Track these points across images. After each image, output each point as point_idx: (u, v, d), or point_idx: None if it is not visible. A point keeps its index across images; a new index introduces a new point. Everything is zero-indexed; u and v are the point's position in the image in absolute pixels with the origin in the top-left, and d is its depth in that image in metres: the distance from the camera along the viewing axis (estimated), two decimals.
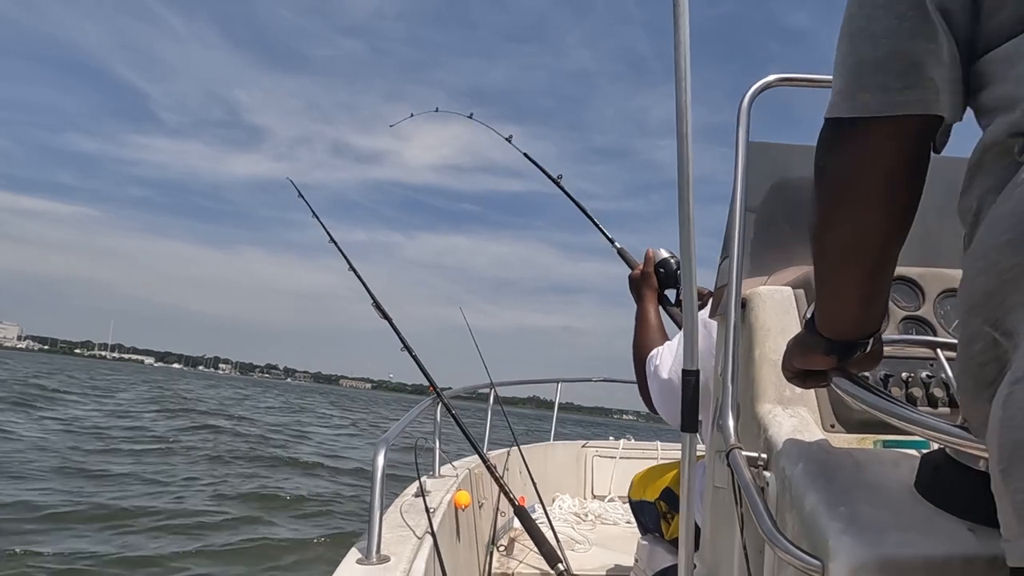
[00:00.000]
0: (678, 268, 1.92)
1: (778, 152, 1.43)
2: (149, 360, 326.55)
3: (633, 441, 5.01)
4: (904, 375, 1.06)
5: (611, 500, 4.48)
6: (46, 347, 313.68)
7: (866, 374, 1.00)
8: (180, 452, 11.31)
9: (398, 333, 2.61)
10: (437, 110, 3.26)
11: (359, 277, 2.69)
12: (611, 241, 2.29)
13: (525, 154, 2.77)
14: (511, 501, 2.25)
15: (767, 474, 0.95)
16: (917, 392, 1.05)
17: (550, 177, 2.60)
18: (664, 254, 1.94)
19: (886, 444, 1.02)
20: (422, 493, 1.82)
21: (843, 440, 1.01)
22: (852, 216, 0.71)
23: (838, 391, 0.82)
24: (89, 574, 5.20)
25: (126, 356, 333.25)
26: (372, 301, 2.66)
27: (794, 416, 1.02)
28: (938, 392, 1.05)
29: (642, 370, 1.73)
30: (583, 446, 4.91)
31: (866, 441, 1.03)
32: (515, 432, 3.63)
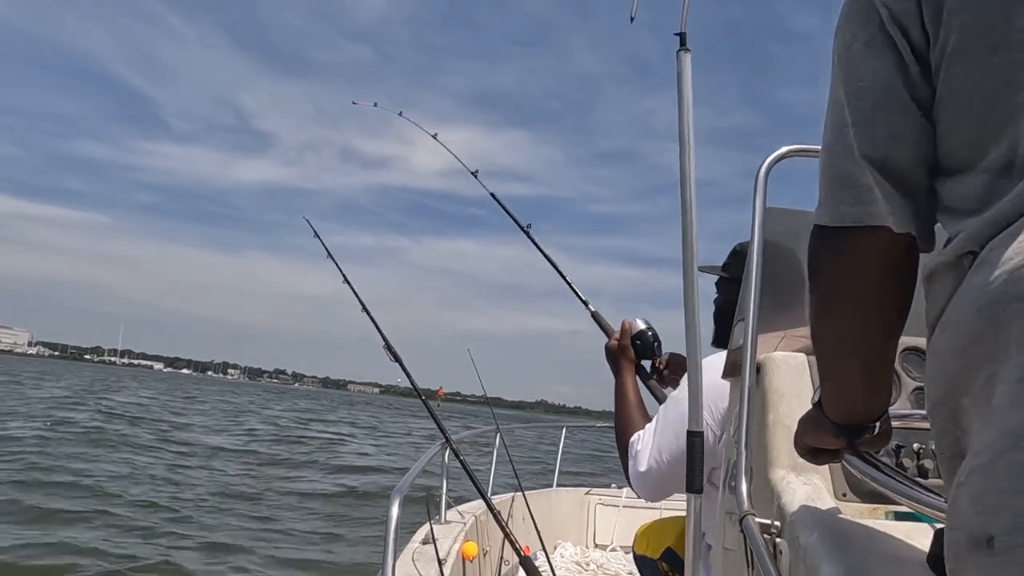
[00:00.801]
0: (655, 340, 1.94)
1: (793, 217, 1.47)
2: (159, 366, 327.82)
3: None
4: (916, 446, 1.08)
5: (613, 550, 4.44)
6: (56, 353, 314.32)
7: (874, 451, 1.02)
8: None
9: (408, 374, 2.63)
10: (401, 114, 3.24)
11: (374, 322, 2.71)
12: (585, 304, 2.25)
13: (491, 194, 2.69)
14: (516, 551, 2.24)
15: (780, 541, 0.96)
16: (929, 464, 1.06)
17: (520, 226, 2.52)
18: (640, 325, 1.94)
19: (898, 515, 1.03)
20: (432, 541, 1.82)
21: (855, 509, 1.03)
22: (843, 318, 0.75)
23: (851, 470, 0.84)
24: None
25: (136, 362, 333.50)
26: (384, 343, 2.68)
27: (807, 484, 1.03)
28: None
29: (624, 454, 1.75)
30: (586, 493, 4.88)
31: (878, 512, 1.04)
32: (519, 475, 3.61)
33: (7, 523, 7.27)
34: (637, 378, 1.94)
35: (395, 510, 1.50)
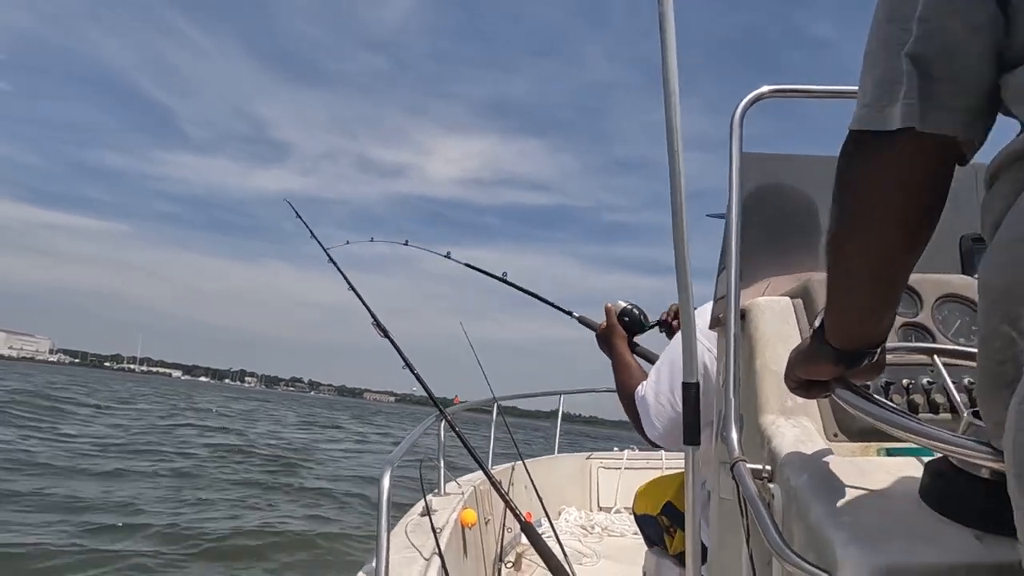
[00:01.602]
0: (640, 314, 2.00)
1: (772, 162, 1.45)
2: (177, 373, 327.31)
3: (637, 451, 5.00)
4: (905, 382, 1.07)
5: (617, 512, 4.47)
6: (76, 360, 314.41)
7: (867, 383, 1.01)
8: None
9: (406, 360, 2.62)
10: (372, 240, 3.34)
11: (391, 339, 2.69)
12: (569, 313, 2.38)
13: (467, 264, 2.86)
14: (517, 517, 2.25)
15: (772, 486, 0.95)
16: (919, 399, 1.05)
17: (495, 277, 2.69)
18: (623, 304, 2.01)
19: (889, 452, 1.02)
20: (428, 512, 1.82)
21: (846, 449, 1.02)
22: (872, 229, 0.71)
23: (841, 403, 0.82)
24: None
25: (154, 369, 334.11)
26: (402, 361, 2.66)
27: (797, 426, 1.02)
28: (939, 398, 1.06)
29: (633, 408, 1.75)
30: (587, 458, 4.91)
31: (869, 450, 1.03)
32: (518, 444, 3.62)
33: None
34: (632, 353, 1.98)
35: (386, 481, 1.49)
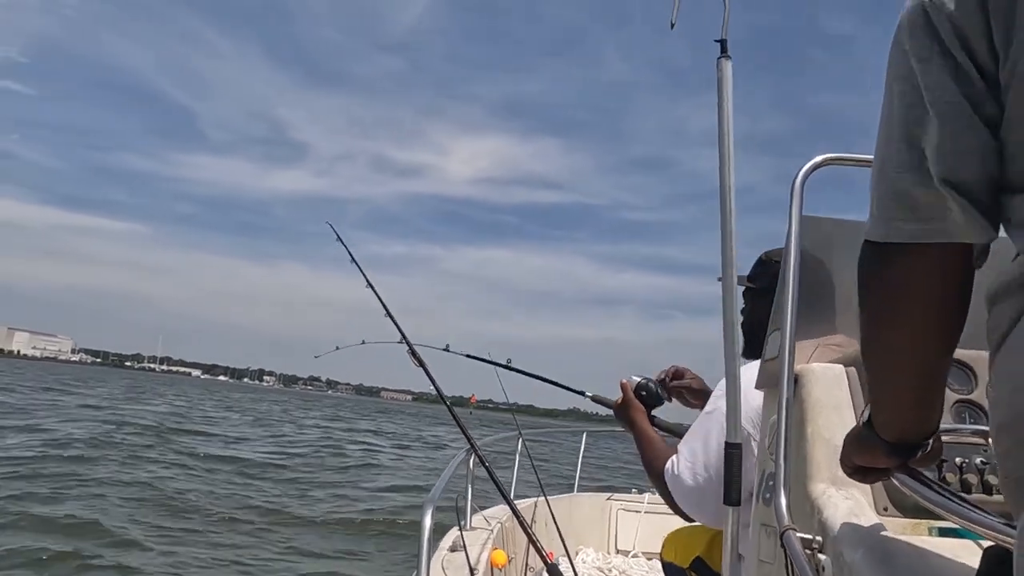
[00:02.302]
0: (656, 388, 2.03)
1: (829, 226, 1.46)
2: (196, 372, 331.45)
3: (658, 495, 4.94)
4: (959, 460, 1.06)
5: (635, 556, 4.41)
6: (98, 360, 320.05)
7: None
8: None
9: (439, 390, 2.64)
10: (363, 342, 3.27)
11: (396, 323, 2.72)
12: (581, 393, 2.39)
13: (467, 354, 2.86)
14: (542, 558, 2.24)
15: (823, 557, 0.95)
16: (972, 479, 1.05)
17: (499, 364, 2.72)
18: (637, 379, 2.04)
19: (942, 531, 1.01)
20: (464, 548, 1.82)
21: (898, 525, 1.01)
22: (896, 336, 0.74)
23: (899, 484, 0.83)
24: None
25: (174, 369, 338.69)
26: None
27: (849, 498, 1.02)
28: (993, 479, 1.05)
29: (663, 485, 1.75)
30: (608, 499, 4.86)
31: (920, 527, 1.03)
32: (542, 483, 3.61)
33: None
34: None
35: (428, 520, 1.50)
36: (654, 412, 2.05)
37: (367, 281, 2.99)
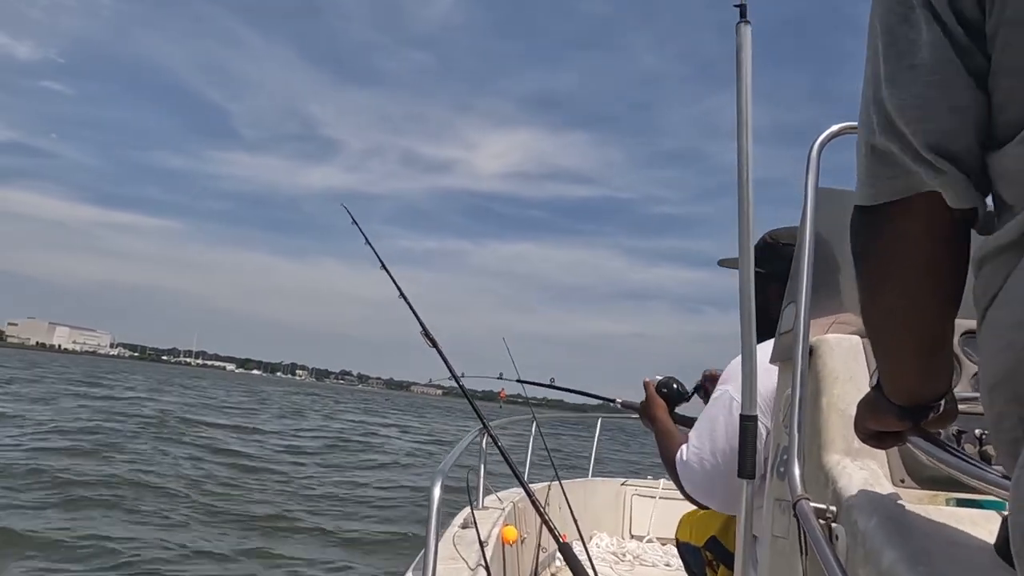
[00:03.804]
0: (679, 386, 2.08)
1: (846, 198, 1.43)
2: (231, 367, 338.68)
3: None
4: (978, 432, 1.04)
5: (650, 541, 4.40)
6: (136, 354, 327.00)
7: (938, 431, 0.99)
8: None
9: (457, 379, 2.66)
10: (503, 376, 3.36)
11: (412, 309, 2.72)
12: (612, 401, 2.49)
13: (519, 380, 3.07)
14: (555, 538, 2.23)
15: (836, 527, 0.93)
16: (991, 450, 1.02)
17: (544, 385, 3.01)
18: (658, 378, 2.09)
19: (959, 503, 0.99)
20: (474, 524, 1.82)
21: (914, 496, 0.99)
22: (892, 298, 0.72)
23: (917, 452, 0.81)
24: None
25: (209, 363, 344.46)
26: (422, 330, 2.69)
27: (864, 469, 1.00)
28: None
29: (676, 473, 1.75)
30: (622, 484, 4.85)
31: (938, 498, 1.00)
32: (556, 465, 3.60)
33: None
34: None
35: (437, 492, 1.50)
36: (679, 410, 2.07)
37: (381, 263, 2.99)
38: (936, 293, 0.71)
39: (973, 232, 0.68)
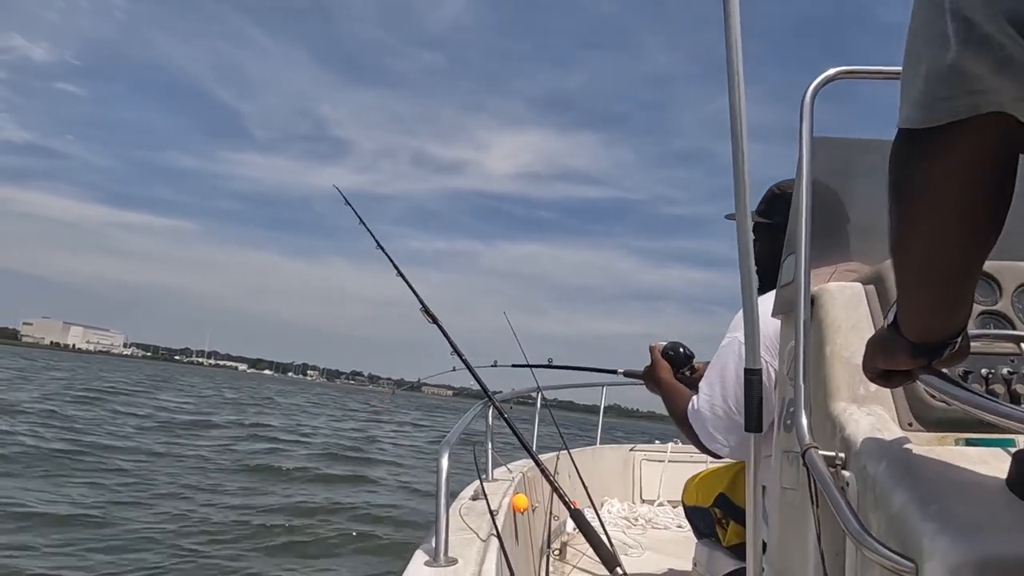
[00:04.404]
0: (684, 350, 2.08)
1: (841, 146, 1.41)
2: (242, 367, 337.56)
3: (681, 444, 4.95)
4: (984, 371, 1.03)
5: (661, 504, 4.43)
6: (148, 354, 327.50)
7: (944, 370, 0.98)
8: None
9: (453, 344, 2.63)
10: (454, 369, 3.22)
11: (410, 286, 2.71)
12: (613, 372, 2.52)
13: (513, 364, 3.15)
14: (566, 504, 2.24)
15: (846, 473, 0.93)
16: (999, 388, 1.02)
17: (541, 366, 3.06)
18: (663, 343, 2.10)
19: (968, 442, 0.99)
20: (484, 495, 1.82)
21: (922, 439, 0.99)
22: (933, 232, 0.69)
23: (928, 389, 0.80)
24: None
25: (221, 363, 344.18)
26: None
27: (871, 414, 0.99)
28: (1021, 389, 1.02)
29: (688, 426, 1.74)
30: (631, 450, 4.88)
31: (946, 440, 1.00)
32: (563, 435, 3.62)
33: None
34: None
35: (444, 462, 1.50)
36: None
37: (376, 243, 2.96)
38: (980, 226, 0.67)
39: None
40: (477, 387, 2.59)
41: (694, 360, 2.08)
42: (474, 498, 2.09)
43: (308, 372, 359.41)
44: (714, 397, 1.64)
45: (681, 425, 1.79)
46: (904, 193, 0.69)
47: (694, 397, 1.72)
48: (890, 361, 0.83)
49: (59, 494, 7.74)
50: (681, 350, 2.07)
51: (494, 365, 3.10)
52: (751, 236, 1.06)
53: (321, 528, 7.51)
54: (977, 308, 1.12)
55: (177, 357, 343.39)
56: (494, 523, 1.63)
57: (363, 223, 3.09)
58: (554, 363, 2.96)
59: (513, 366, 3.09)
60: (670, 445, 4.94)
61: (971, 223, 0.67)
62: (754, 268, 1.33)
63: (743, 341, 1.59)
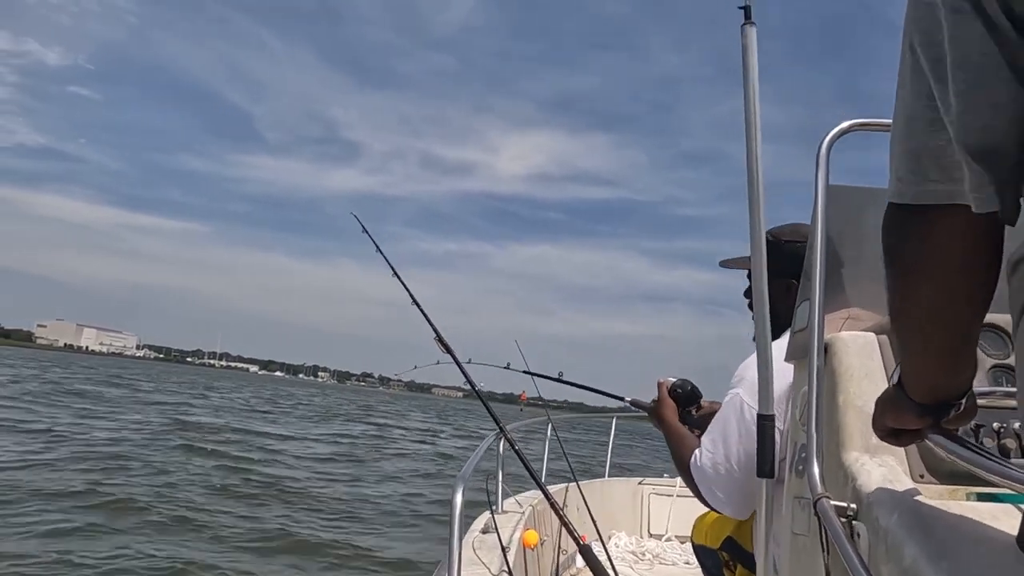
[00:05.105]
0: (692, 388, 2.08)
1: (856, 195, 1.43)
2: (254, 368, 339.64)
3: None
4: (996, 426, 1.04)
5: (668, 539, 4.40)
6: (161, 356, 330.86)
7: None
8: None
9: (473, 385, 2.68)
10: (438, 362, 3.30)
11: (426, 317, 2.74)
12: (620, 398, 2.52)
13: (525, 371, 3.08)
14: (575, 539, 2.24)
15: (857, 524, 0.94)
16: (1010, 444, 1.03)
17: (552, 378, 3.02)
18: (672, 380, 2.09)
19: (980, 497, 0.99)
20: (495, 529, 1.83)
21: (934, 491, 1.00)
22: (925, 298, 0.72)
23: (936, 448, 0.81)
24: None
25: (233, 364, 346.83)
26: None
27: (883, 465, 1.01)
28: None
29: (690, 477, 1.75)
30: (639, 483, 4.85)
31: (958, 493, 1.01)
32: (573, 468, 3.61)
33: None
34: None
35: (459, 497, 1.51)
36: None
37: (393, 270, 3.02)
38: (970, 293, 0.70)
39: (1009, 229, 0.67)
40: (488, 389, 2.64)
41: (701, 400, 2.08)
42: (485, 531, 2.10)
43: (319, 374, 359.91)
44: (716, 455, 1.65)
45: (682, 473, 1.80)
46: (898, 263, 0.73)
47: (697, 451, 1.72)
48: (898, 420, 0.85)
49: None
50: (689, 388, 2.07)
51: (507, 367, 3.11)
52: (766, 289, 1.08)
53: None
54: (989, 362, 1.13)
55: (189, 359, 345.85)
56: (505, 559, 1.64)
57: (380, 251, 3.14)
58: (563, 378, 2.98)
59: (524, 371, 3.09)
60: (679, 480, 4.91)
61: (959, 292, 0.70)
62: (768, 319, 1.35)
63: (745, 399, 1.61)
